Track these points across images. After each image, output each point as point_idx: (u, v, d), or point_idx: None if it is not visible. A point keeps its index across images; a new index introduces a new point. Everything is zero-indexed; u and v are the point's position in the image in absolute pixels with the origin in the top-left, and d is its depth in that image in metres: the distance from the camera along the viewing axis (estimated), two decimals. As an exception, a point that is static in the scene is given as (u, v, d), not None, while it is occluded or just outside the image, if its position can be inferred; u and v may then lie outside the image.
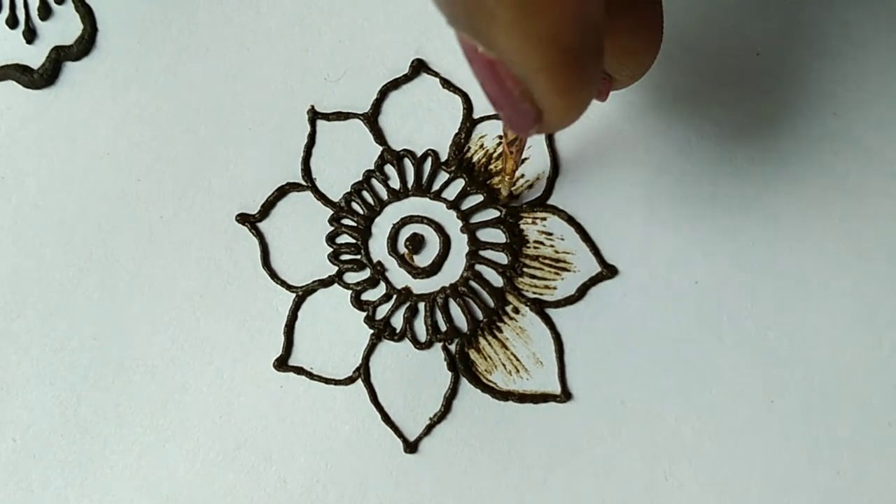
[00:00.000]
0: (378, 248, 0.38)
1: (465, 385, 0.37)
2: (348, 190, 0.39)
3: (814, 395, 0.36)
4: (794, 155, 0.37)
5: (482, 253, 0.38)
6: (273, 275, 0.38)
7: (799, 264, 0.36)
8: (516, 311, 0.37)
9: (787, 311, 0.36)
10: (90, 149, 0.40)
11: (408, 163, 0.39)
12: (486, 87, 0.24)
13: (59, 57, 0.40)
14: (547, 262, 0.37)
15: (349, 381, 0.37)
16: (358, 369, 0.37)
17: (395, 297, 0.38)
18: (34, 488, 0.37)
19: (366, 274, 0.38)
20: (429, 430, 0.36)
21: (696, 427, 0.36)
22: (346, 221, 0.38)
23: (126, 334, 0.38)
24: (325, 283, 0.38)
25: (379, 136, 0.39)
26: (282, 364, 0.37)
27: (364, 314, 0.38)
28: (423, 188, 0.38)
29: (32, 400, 0.38)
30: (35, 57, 0.41)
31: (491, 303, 0.37)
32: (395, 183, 0.39)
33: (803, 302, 0.36)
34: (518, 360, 0.37)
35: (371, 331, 0.37)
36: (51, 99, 0.40)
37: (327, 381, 0.37)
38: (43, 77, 0.40)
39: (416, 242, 0.38)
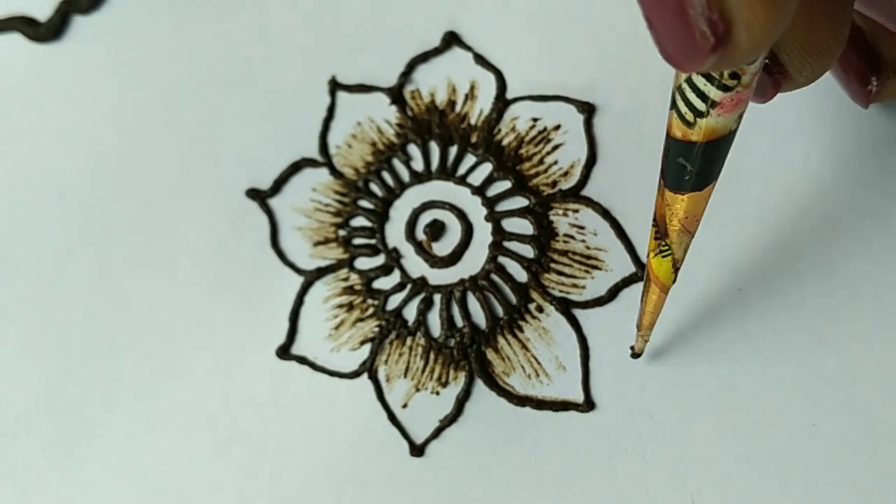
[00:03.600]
0: (395, 233, 0.37)
1: (480, 387, 0.35)
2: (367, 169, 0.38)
3: (861, 419, 0.34)
4: (855, 156, 0.35)
5: (507, 244, 0.36)
6: (281, 256, 0.38)
7: (853, 276, 0.35)
8: (540, 309, 0.36)
9: (836, 326, 0.34)
10: (93, 110, 0.40)
11: (433, 143, 0.38)
12: None
13: (68, 10, 0.41)
14: (577, 258, 0.36)
15: (354, 374, 0.36)
16: (364, 363, 0.36)
17: (409, 286, 0.37)
18: (14, 469, 0.37)
19: (380, 260, 0.37)
20: (437, 432, 0.35)
21: (728, 448, 0.34)
22: (363, 203, 0.38)
23: (120, 311, 0.38)
24: (336, 267, 0.37)
25: (403, 112, 0.38)
26: (284, 352, 0.36)
27: (375, 303, 0.37)
28: (447, 171, 0.38)
29: (17, 375, 0.37)
30: (42, 9, 0.41)
31: (513, 299, 0.36)
32: (417, 164, 0.38)
33: (855, 317, 0.34)
34: (539, 363, 0.35)
35: (381, 322, 0.36)
36: (56, 54, 0.41)
37: (331, 373, 0.36)
38: (49, 30, 0.41)
39: (436, 229, 0.37)
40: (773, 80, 0.26)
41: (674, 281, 0.29)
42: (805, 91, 0.35)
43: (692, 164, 0.23)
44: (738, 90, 0.21)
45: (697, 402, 0.34)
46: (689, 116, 0.22)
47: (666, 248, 0.27)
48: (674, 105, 0.22)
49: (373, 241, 0.37)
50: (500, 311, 0.36)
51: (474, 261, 0.37)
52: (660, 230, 0.27)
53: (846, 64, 0.31)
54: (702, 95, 0.21)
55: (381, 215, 0.37)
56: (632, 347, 0.34)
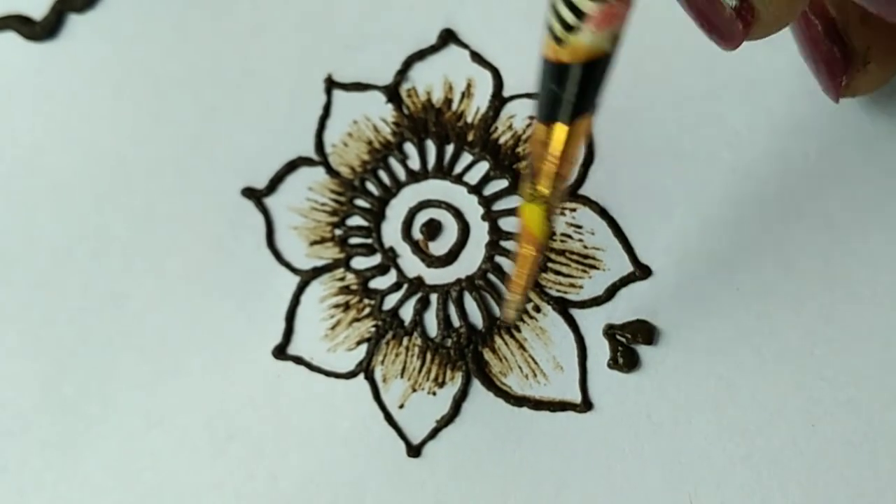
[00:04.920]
0: (391, 232, 0.37)
1: (477, 387, 0.35)
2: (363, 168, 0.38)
3: (860, 421, 0.33)
4: (856, 155, 0.35)
5: (503, 243, 0.36)
6: (277, 255, 0.37)
7: (852, 276, 0.34)
8: (537, 309, 0.35)
9: (835, 326, 0.34)
10: (90, 109, 0.39)
11: (429, 141, 0.38)
12: None
13: (63, 8, 0.40)
14: (574, 257, 0.36)
15: (351, 375, 0.35)
16: (361, 363, 0.35)
17: (405, 286, 0.36)
18: (10, 468, 0.36)
19: (376, 260, 0.37)
20: (434, 433, 0.35)
21: (727, 449, 0.33)
22: (359, 202, 0.37)
23: (117, 310, 0.37)
24: (332, 267, 0.37)
25: (400, 111, 0.38)
26: (280, 352, 0.36)
27: (371, 303, 0.36)
28: (443, 170, 0.37)
29: (14, 374, 0.37)
30: (38, 7, 0.40)
31: (510, 299, 0.36)
32: (414, 163, 0.37)
33: (854, 318, 0.34)
34: (536, 363, 0.35)
35: (377, 322, 0.36)
36: (51, 53, 0.40)
37: (328, 373, 0.36)
38: (44, 29, 0.40)
39: (433, 228, 0.37)
40: (741, 19, 0.25)
41: (548, 237, 0.27)
42: (803, 88, 0.35)
43: (563, 90, 0.22)
44: (612, 3, 0.21)
45: (695, 403, 0.34)
46: (560, 32, 0.21)
47: (539, 193, 0.26)
48: (547, 25, 0.22)
49: (369, 241, 0.37)
50: (497, 310, 0.35)
51: (471, 260, 0.36)
52: (533, 172, 0.25)
53: (818, 54, 0.31)
54: (574, 9, 0.21)
55: (377, 214, 0.37)
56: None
